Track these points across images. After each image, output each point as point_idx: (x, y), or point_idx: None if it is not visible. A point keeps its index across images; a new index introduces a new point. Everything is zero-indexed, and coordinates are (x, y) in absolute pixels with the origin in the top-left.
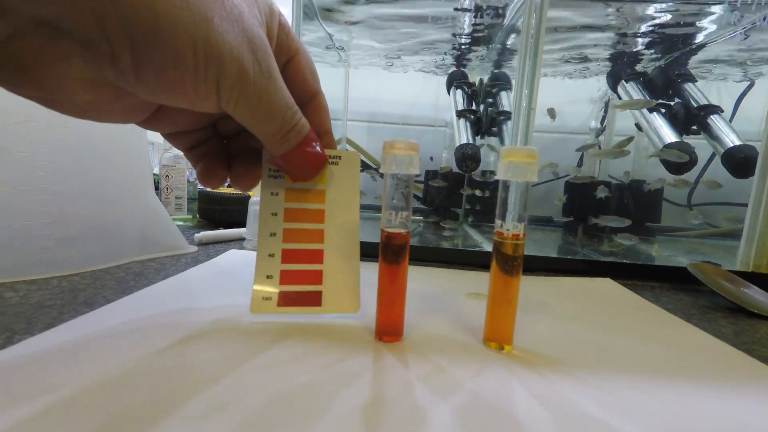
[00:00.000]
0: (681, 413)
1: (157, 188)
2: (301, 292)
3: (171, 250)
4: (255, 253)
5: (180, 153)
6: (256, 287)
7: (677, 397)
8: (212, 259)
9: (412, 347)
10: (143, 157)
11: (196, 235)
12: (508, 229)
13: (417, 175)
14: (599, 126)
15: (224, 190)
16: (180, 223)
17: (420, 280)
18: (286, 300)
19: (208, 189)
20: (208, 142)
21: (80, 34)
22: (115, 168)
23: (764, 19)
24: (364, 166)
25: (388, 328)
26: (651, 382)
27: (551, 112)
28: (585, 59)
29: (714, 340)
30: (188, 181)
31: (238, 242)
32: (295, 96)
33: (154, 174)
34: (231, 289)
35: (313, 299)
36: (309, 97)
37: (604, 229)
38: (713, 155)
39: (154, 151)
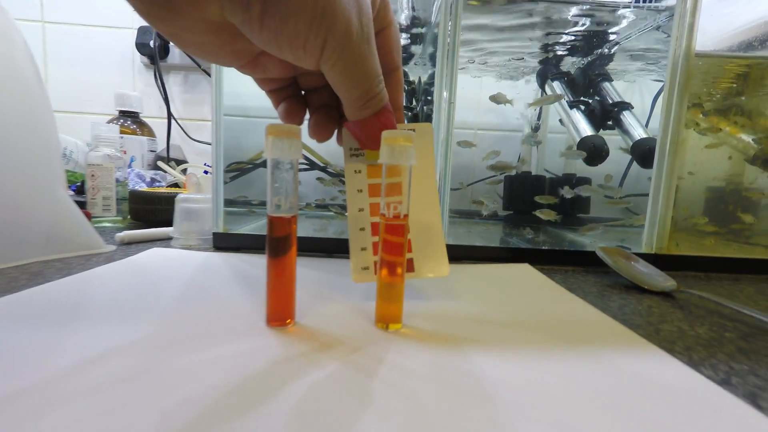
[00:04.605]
0: (549, 375)
1: (83, 188)
2: None
3: (83, 249)
4: (180, 251)
5: (109, 152)
6: (354, 259)
7: (546, 361)
8: (127, 258)
9: (298, 331)
10: (52, 152)
11: (118, 234)
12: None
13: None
14: (534, 123)
15: (156, 189)
16: (108, 224)
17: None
18: None
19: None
20: (289, 87)
21: None
22: (14, 163)
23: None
24: (312, 166)
25: (277, 314)
26: (527, 350)
27: (498, 98)
28: (520, 59)
29: (596, 312)
30: (117, 180)
31: (166, 242)
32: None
33: (78, 173)
34: (134, 285)
35: (407, 266)
36: (390, 70)
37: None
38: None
39: (78, 150)
